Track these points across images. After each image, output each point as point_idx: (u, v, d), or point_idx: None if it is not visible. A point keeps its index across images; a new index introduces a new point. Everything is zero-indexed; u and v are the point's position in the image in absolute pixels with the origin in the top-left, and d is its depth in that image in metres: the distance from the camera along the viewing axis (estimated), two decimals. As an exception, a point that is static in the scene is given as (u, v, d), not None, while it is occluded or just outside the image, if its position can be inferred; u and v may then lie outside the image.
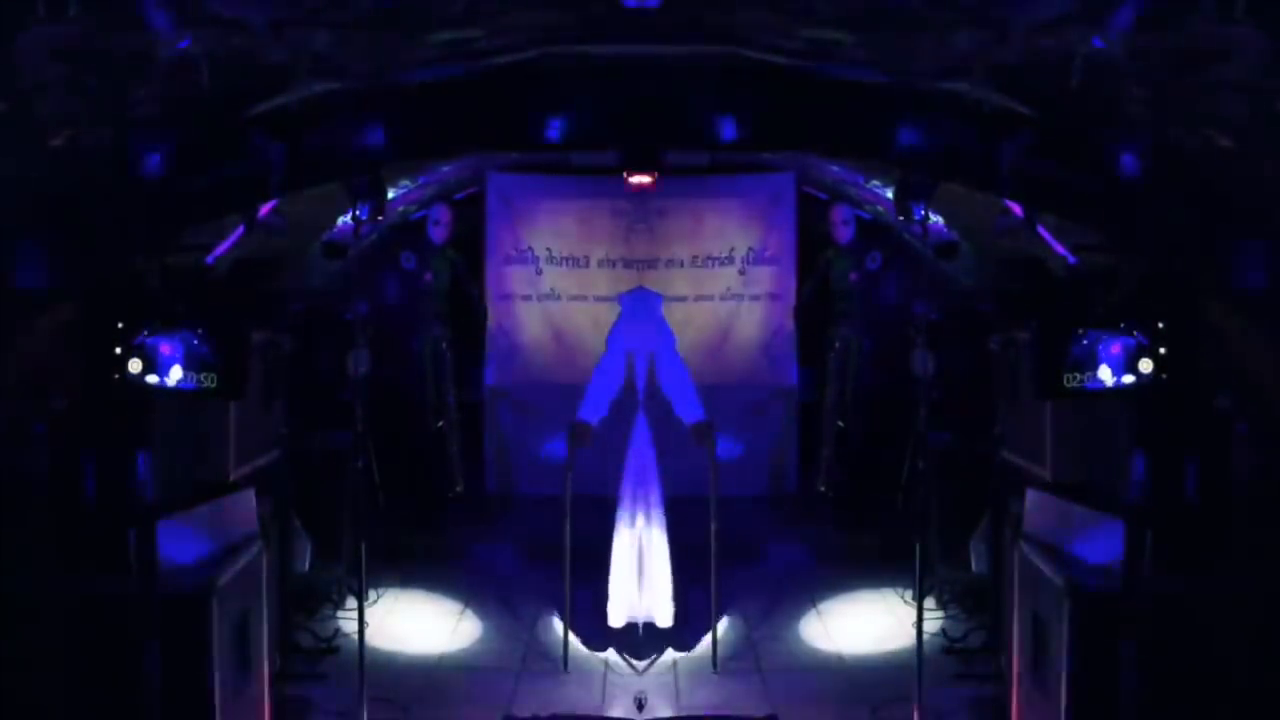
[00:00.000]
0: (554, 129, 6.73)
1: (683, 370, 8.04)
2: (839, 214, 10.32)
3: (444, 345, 10.36)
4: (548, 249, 11.07)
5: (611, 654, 7.77)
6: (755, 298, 11.06)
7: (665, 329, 8.22)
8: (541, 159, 10.66)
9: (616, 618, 7.81)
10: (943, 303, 8.81)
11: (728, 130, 6.79)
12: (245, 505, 6.76)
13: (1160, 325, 5.61)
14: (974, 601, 8.12)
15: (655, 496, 7.90)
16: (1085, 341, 5.67)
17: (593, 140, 7.57)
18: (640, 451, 7.95)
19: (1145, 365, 5.61)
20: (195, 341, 5.68)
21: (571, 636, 7.75)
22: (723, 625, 8.00)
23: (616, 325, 8.28)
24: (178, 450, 6.46)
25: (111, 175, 5.95)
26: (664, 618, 7.82)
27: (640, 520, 7.86)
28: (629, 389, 8.10)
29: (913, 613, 6.82)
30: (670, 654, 7.76)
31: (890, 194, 8.33)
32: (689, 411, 7.88)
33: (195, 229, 6.88)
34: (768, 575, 9.08)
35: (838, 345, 10.30)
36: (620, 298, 8.67)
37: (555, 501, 7.89)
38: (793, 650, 8.00)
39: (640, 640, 7.78)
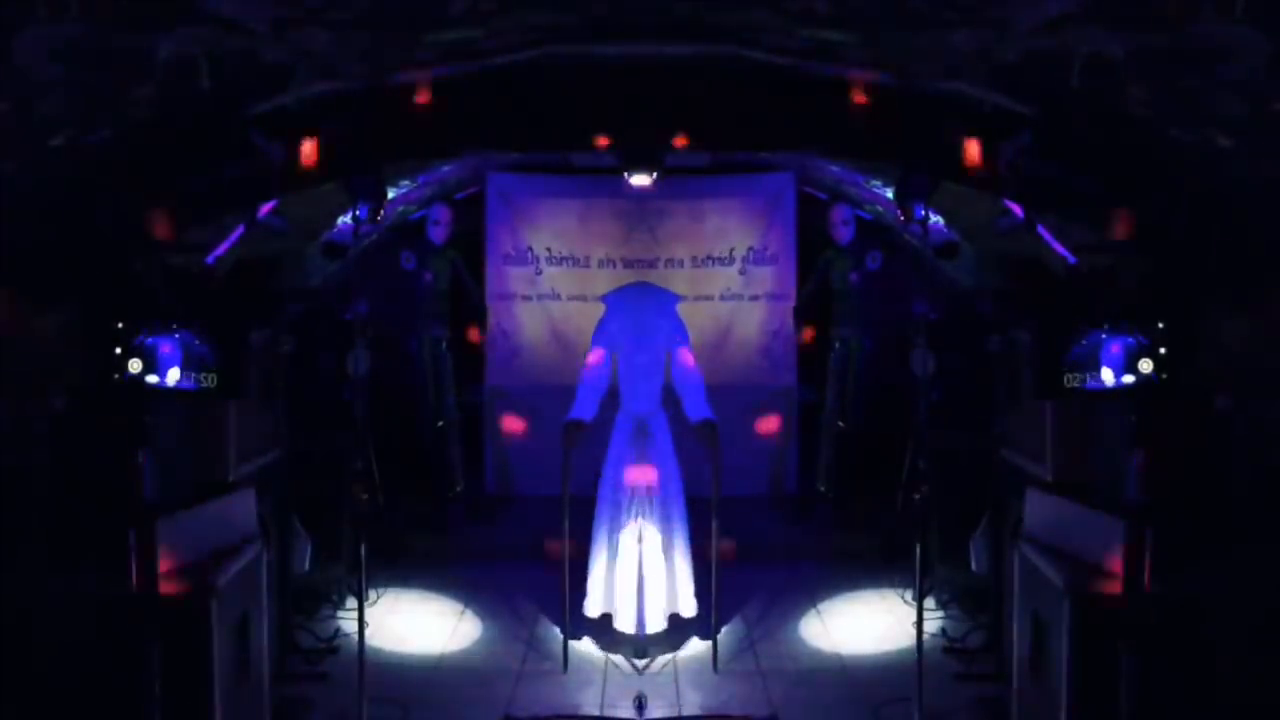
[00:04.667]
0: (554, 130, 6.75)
1: (695, 370, 8.04)
2: (839, 214, 10.32)
3: (444, 345, 10.36)
4: (548, 249, 11.08)
5: (612, 654, 7.77)
6: (755, 298, 11.07)
7: (680, 327, 8.18)
8: (541, 159, 10.67)
9: (621, 619, 7.83)
10: (943, 303, 8.81)
11: (728, 131, 6.80)
12: (245, 505, 6.76)
13: (1160, 325, 5.61)
14: (974, 601, 8.12)
15: (656, 496, 7.90)
16: (1085, 341, 5.68)
17: (592, 140, 7.57)
18: (621, 453, 7.94)
19: (1145, 365, 5.61)
20: (195, 341, 5.68)
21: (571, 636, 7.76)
22: (723, 625, 8.00)
23: (602, 324, 8.23)
24: (178, 450, 6.46)
25: (111, 175, 5.96)
26: (659, 619, 7.84)
27: (641, 520, 7.85)
28: (613, 389, 8.10)
29: (913, 613, 6.81)
30: (670, 654, 7.76)
31: (890, 194, 8.34)
32: (696, 411, 7.88)
33: (195, 229, 6.88)
34: (768, 575, 9.07)
35: (838, 345, 10.30)
36: (605, 297, 8.54)
37: (555, 501, 7.88)
38: (793, 650, 8.00)
39: (641, 640, 7.78)
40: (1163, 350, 5.59)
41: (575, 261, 11.07)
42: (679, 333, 8.11)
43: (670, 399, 8.05)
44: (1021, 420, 7.35)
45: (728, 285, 11.04)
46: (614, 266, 10.98)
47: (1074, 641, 5.84)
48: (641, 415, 7.97)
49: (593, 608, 7.96)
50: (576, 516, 7.68)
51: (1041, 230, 7.15)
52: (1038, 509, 6.71)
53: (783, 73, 6.53)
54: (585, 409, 7.89)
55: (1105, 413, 6.33)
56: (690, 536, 7.98)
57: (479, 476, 10.95)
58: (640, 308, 8.22)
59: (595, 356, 8.07)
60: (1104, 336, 5.65)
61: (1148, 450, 5.71)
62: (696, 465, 8.09)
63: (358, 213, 7.08)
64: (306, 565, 7.89)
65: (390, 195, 8.18)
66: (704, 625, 7.88)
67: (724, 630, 7.98)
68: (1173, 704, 5.78)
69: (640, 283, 9.12)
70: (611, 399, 8.08)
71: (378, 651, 7.44)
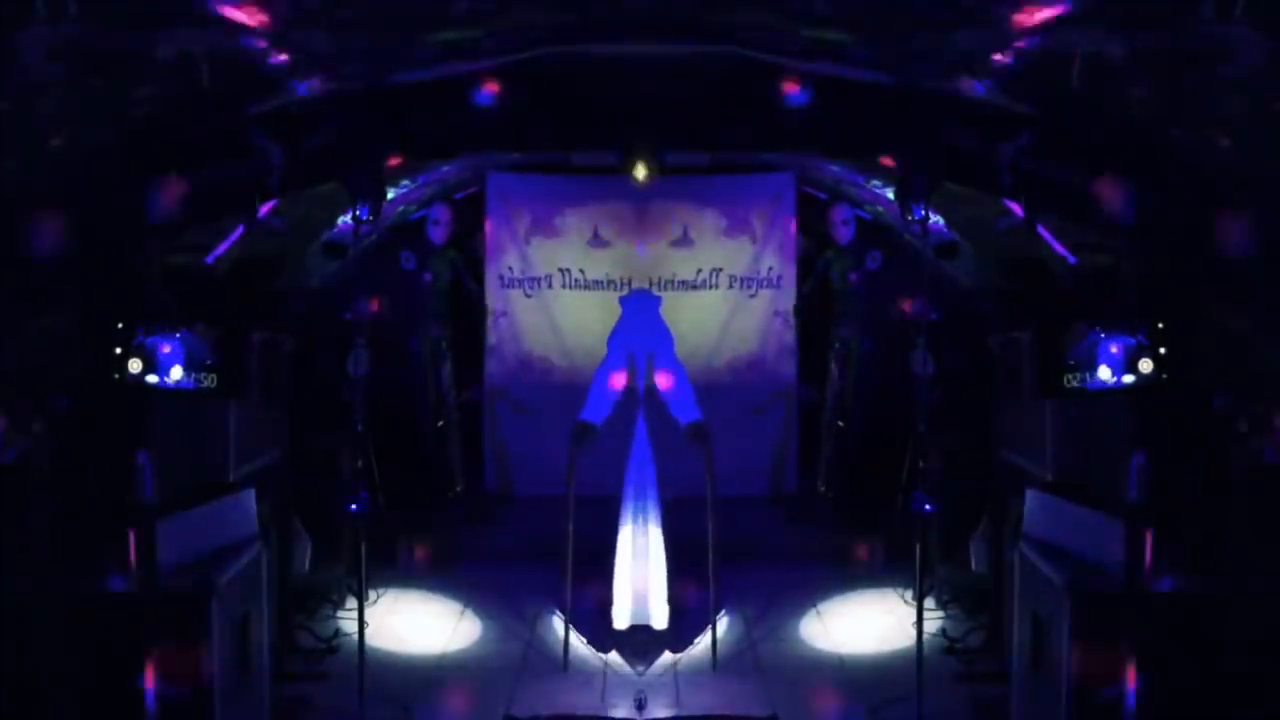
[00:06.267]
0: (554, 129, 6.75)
1: (680, 371, 8.06)
2: (839, 214, 10.32)
3: (444, 345, 10.36)
4: (547, 249, 11.07)
5: (612, 654, 7.76)
6: (755, 297, 11.06)
7: (663, 330, 8.24)
8: (541, 159, 10.66)
9: (621, 620, 7.82)
10: (943, 303, 8.80)
11: (728, 130, 6.79)
12: (245, 505, 6.76)
13: (1160, 325, 5.61)
14: (974, 601, 8.12)
15: (652, 497, 7.91)
16: (1085, 341, 5.68)
17: (592, 140, 7.59)
18: (640, 453, 7.97)
19: (1145, 365, 5.62)
20: (195, 341, 5.69)
21: (572, 636, 7.76)
22: (723, 625, 8.00)
23: (618, 327, 8.29)
24: (178, 450, 6.46)
25: (111, 175, 5.96)
26: (659, 620, 7.83)
27: (639, 521, 7.86)
28: (631, 391, 8.11)
29: (913, 613, 6.82)
30: (670, 654, 7.75)
31: (890, 194, 8.33)
32: (684, 412, 7.89)
33: (195, 229, 6.88)
34: (768, 575, 9.07)
35: (838, 345, 10.29)
36: (622, 300, 8.72)
37: (555, 501, 7.88)
38: (793, 650, 8.00)
39: (641, 641, 7.78)
40: (1163, 350, 5.59)
41: (574, 261, 11.06)
42: (663, 335, 8.15)
43: (651, 402, 8.06)
44: (1021, 420, 7.34)
45: (728, 285, 11.02)
46: (613, 266, 10.96)
47: (1074, 641, 5.84)
48: (645, 418, 8.01)
49: (621, 619, 7.88)
50: (581, 518, 7.68)
51: (1041, 230, 7.15)
52: (1038, 509, 6.71)
53: (783, 73, 6.53)
54: (595, 411, 7.89)
55: (1105, 413, 6.33)
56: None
57: (479, 476, 10.94)
58: (639, 311, 8.30)
59: (609, 360, 8.10)
60: (1103, 336, 5.66)
61: (1148, 450, 5.72)
62: (692, 466, 8.09)
63: (358, 213, 7.08)
64: (306, 565, 7.89)
65: (390, 195, 8.17)
66: (677, 636, 7.85)
67: (724, 630, 7.98)
68: (1173, 704, 5.78)
69: (640, 288, 9.20)
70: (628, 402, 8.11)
71: (378, 651, 7.44)
